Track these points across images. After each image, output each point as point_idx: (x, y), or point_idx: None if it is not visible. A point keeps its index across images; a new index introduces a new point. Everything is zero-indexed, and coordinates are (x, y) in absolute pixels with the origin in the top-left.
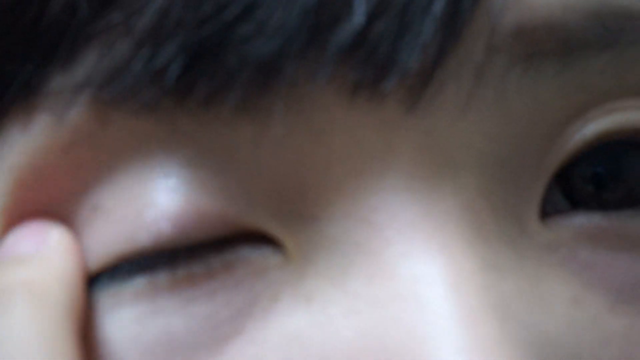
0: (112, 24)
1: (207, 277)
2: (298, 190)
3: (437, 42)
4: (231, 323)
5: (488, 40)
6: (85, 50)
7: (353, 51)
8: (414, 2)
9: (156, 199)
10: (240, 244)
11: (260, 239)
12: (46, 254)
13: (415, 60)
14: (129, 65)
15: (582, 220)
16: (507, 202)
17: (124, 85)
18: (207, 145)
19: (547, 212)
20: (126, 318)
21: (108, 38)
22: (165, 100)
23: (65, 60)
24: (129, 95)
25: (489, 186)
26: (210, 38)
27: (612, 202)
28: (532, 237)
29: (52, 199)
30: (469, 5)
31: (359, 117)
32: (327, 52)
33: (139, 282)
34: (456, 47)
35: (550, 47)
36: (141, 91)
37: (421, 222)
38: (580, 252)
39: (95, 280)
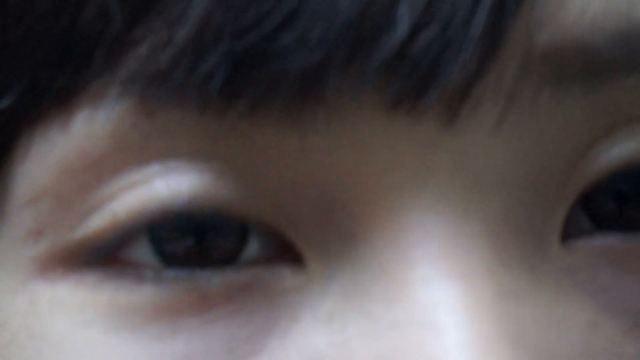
0: (153, 32)
1: (225, 298)
2: (340, 204)
3: (476, 58)
4: (250, 343)
5: (521, 59)
6: (125, 55)
7: (395, 64)
8: (455, 16)
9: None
10: (259, 266)
11: (280, 261)
12: None
13: (456, 75)
14: (171, 74)
15: (603, 242)
16: (531, 225)
17: (167, 93)
18: (249, 153)
19: (568, 233)
20: (147, 335)
21: (149, 45)
22: (207, 109)
23: (103, 65)
24: (172, 102)
25: (514, 210)
26: (251, 48)
27: (634, 221)
28: (552, 261)
29: (101, 180)
30: (507, 22)
31: (398, 132)
32: (369, 64)
33: (156, 299)
34: (494, 64)
35: (579, 68)
36: (184, 100)
37: (447, 247)
38: (599, 275)
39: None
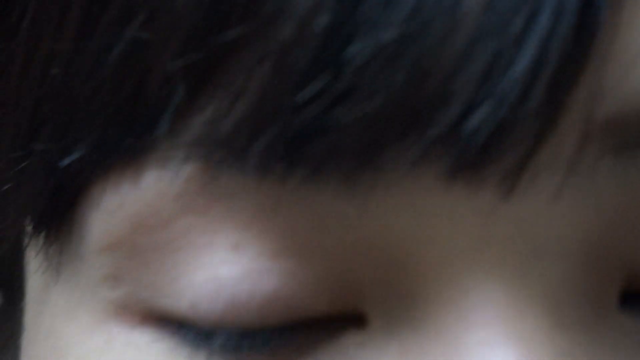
0: (215, 100)
1: (288, 356)
2: (400, 265)
3: (533, 133)
4: None
5: (581, 130)
6: (189, 121)
7: (450, 140)
8: (510, 93)
9: (248, 273)
10: (320, 326)
11: (344, 319)
12: None
13: (512, 150)
14: (233, 141)
15: None
16: (589, 287)
17: (229, 159)
18: (310, 218)
19: (629, 295)
20: None
21: (212, 113)
22: (268, 175)
23: (169, 128)
24: (234, 168)
25: (573, 273)
26: (309, 122)
27: None
28: (610, 323)
29: (171, 246)
30: (566, 96)
31: (456, 201)
32: (424, 139)
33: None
34: (552, 136)
35: None
36: (245, 165)
37: (504, 310)
38: None
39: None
